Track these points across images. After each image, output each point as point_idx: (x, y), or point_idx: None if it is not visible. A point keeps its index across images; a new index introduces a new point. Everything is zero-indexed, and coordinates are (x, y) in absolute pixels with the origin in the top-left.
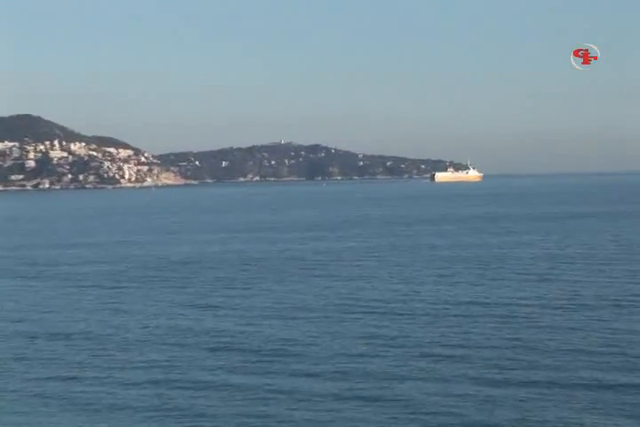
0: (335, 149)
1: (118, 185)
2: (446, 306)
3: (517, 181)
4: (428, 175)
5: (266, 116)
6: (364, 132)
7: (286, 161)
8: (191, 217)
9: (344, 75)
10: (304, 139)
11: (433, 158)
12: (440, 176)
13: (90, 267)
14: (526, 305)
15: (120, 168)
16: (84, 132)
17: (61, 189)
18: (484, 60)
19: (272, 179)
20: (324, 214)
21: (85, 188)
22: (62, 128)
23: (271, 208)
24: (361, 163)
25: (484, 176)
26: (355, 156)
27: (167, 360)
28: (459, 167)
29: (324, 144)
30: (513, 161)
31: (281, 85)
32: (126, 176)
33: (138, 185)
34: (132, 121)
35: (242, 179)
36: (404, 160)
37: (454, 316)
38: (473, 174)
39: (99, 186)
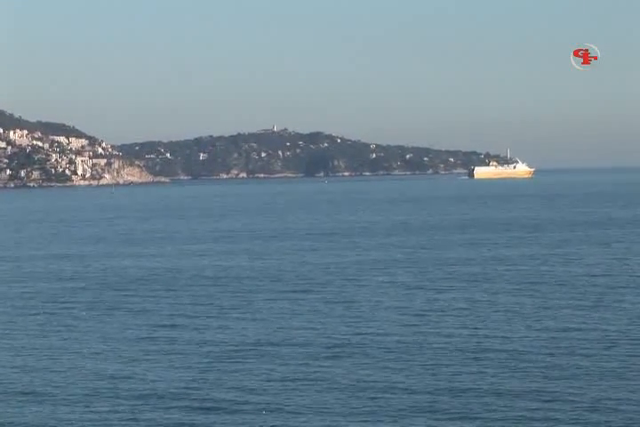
0: (341, 139)
1: (69, 183)
2: (469, 343)
3: (586, 178)
4: (457, 170)
5: (254, 96)
6: (377, 116)
7: (280, 153)
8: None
9: (352, 43)
10: (302, 125)
11: (464, 150)
12: (480, 172)
13: (22, 286)
14: (576, 339)
15: (72, 162)
16: (26, 117)
17: None
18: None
19: (262, 175)
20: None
21: (28, 186)
22: None
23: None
24: (373, 155)
25: (535, 171)
26: (366, 146)
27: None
28: (498, 160)
29: (328, 132)
30: (568, 153)
31: (271, 57)
32: (79, 172)
33: (94, 183)
34: (86, 103)
35: (224, 175)
36: (427, 152)
37: (479, 355)
38: (522, 169)
39: (45, 184)
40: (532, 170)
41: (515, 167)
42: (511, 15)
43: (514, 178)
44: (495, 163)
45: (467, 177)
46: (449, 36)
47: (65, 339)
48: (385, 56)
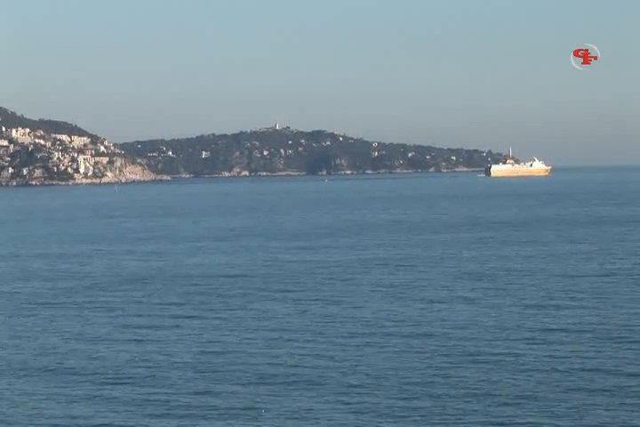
0: (343, 137)
1: (71, 181)
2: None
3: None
4: (459, 169)
5: (256, 94)
6: (379, 115)
7: (282, 151)
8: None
9: (355, 42)
10: (304, 123)
11: (466, 148)
12: (497, 170)
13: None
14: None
15: (74, 160)
16: (28, 115)
17: (0, 186)
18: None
19: (264, 173)
20: None
21: (31, 184)
22: (1, 110)
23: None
24: (375, 153)
25: (552, 169)
26: (368, 144)
27: None
28: (499, 157)
29: (330, 130)
30: (569, 153)
31: (274, 56)
32: (81, 170)
33: (96, 181)
34: (88, 101)
35: (226, 173)
36: (429, 150)
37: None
38: (538, 167)
39: (47, 182)
40: (549, 168)
41: (531, 165)
42: (511, 15)
43: (531, 176)
44: (512, 161)
45: (483, 175)
46: (450, 36)
47: None
48: (387, 55)
